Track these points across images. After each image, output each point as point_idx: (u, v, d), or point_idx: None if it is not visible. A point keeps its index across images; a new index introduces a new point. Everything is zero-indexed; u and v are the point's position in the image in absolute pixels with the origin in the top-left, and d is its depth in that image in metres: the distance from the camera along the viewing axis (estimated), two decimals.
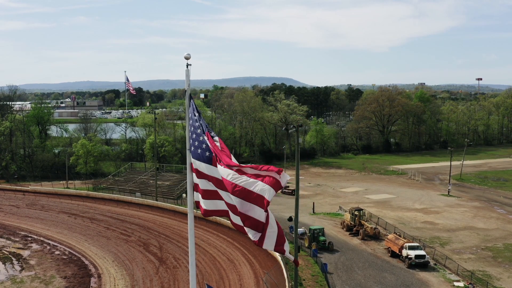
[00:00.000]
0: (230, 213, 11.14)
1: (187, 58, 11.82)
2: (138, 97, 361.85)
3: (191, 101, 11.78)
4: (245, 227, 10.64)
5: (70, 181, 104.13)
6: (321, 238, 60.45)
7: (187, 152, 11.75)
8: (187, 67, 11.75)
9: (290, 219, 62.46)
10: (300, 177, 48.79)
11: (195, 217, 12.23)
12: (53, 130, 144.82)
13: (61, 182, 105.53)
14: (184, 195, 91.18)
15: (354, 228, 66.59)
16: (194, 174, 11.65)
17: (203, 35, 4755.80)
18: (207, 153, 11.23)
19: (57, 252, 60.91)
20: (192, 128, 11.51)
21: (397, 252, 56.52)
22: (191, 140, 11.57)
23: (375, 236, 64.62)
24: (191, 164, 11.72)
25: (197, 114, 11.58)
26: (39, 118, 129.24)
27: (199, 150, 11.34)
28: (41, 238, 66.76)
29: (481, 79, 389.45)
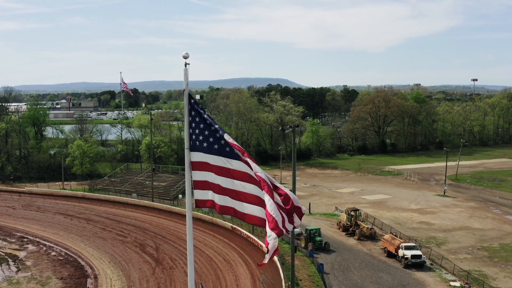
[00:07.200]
0: (252, 206, 11.03)
1: (185, 57, 11.79)
2: (134, 98, 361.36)
3: (195, 101, 11.69)
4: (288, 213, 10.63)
5: (66, 182, 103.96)
6: (318, 238, 60.53)
7: (186, 151, 11.71)
8: (185, 66, 11.74)
9: None
10: (296, 178, 48.84)
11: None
12: (49, 131, 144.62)
13: (57, 183, 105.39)
14: (180, 195, 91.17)
15: (351, 229, 66.71)
16: (212, 172, 11.52)
17: (200, 35, 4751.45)
18: (228, 148, 11.15)
19: (53, 253, 60.82)
20: (201, 125, 11.33)
21: (394, 252, 56.66)
22: (200, 136, 11.40)
23: (371, 236, 64.76)
24: (190, 162, 11.69)
25: (205, 115, 11.43)
26: (35, 119, 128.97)
27: (215, 146, 11.23)
28: (37, 239, 66.63)
29: (476, 79, 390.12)
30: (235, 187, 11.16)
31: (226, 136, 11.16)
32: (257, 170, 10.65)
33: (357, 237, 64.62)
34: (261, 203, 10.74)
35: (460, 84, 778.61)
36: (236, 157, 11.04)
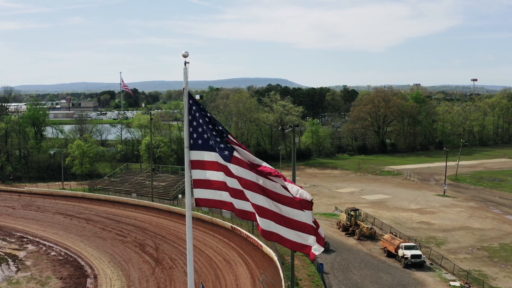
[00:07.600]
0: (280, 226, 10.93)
1: (185, 56, 11.79)
2: (134, 98, 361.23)
3: (195, 100, 11.65)
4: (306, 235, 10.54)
5: (65, 182, 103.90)
6: None
7: (186, 149, 11.70)
8: (185, 65, 11.73)
9: None
10: (295, 178, 48.82)
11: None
12: (49, 131, 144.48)
13: (57, 183, 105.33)
14: (180, 195, 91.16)
15: (350, 228, 66.72)
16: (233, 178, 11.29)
17: (200, 35, 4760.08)
18: (223, 148, 11.10)
19: (53, 253, 60.79)
20: (204, 125, 11.27)
21: (393, 252, 56.66)
22: (208, 137, 11.33)
23: (371, 236, 64.75)
24: (189, 161, 11.67)
25: (206, 114, 11.33)
26: (35, 119, 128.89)
27: (211, 143, 11.20)
28: (37, 239, 66.60)
29: (476, 79, 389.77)
30: (271, 207, 10.93)
31: (240, 150, 11.08)
32: (292, 188, 10.51)
33: (357, 237, 64.63)
34: (301, 227, 10.68)
35: (460, 84, 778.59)
36: (227, 159, 11.06)
